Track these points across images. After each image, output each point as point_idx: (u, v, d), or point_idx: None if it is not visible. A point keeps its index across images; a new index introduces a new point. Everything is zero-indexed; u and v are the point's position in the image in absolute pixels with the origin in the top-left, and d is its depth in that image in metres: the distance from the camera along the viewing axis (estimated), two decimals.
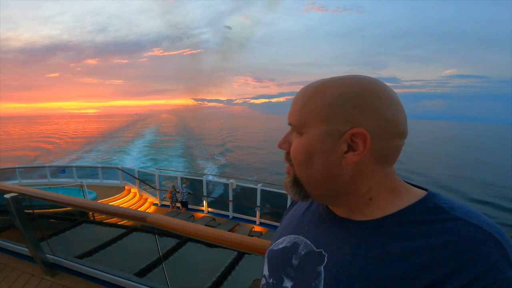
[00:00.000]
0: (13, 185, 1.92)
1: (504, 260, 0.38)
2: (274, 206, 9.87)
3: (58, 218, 2.41)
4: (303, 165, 0.49)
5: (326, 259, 0.49)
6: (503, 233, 0.41)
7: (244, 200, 10.46)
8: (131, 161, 33.98)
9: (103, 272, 2.10)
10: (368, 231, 0.47)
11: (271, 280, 0.57)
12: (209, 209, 10.77)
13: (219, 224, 9.78)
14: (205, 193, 10.88)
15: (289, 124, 0.51)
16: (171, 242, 2.33)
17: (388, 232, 0.45)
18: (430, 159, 38.71)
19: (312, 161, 0.47)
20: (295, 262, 0.53)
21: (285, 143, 0.52)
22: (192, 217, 10.37)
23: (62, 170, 12.26)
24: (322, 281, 0.47)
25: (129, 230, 2.56)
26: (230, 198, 10.29)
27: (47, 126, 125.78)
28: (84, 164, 28.68)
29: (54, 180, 11.80)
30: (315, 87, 0.48)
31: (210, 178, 12.36)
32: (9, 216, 2.32)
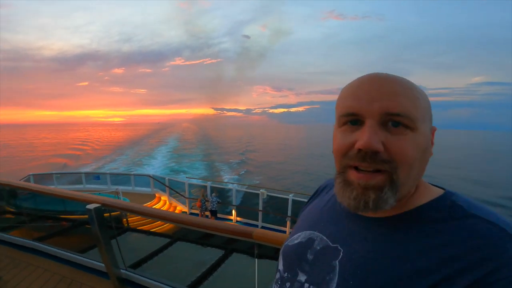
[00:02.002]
0: (94, 195, 1.85)
1: None
2: None
3: (130, 229, 2.34)
4: (416, 164, 0.45)
5: (341, 254, 0.50)
6: None
7: (274, 210, 10.27)
8: (157, 164, 36.03)
9: (165, 285, 2.00)
10: (386, 227, 0.48)
11: (285, 274, 0.56)
12: (238, 218, 10.68)
13: None
14: (234, 202, 10.83)
15: (396, 114, 0.43)
16: (218, 252, 2.24)
17: (406, 229, 0.46)
18: (455, 171, 36.68)
19: (422, 158, 0.46)
20: (310, 256, 0.54)
21: (380, 142, 0.44)
22: None
23: (96, 177, 12.63)
24: (337, 274, 0.48)
25: (174, 239, 2.48)
26: (260, 207, 10.15)
27: (78, 133, 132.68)
28: (115, 170, 29.96)
29: (89, 186, 12.17)
30: (409, 81, 0.47)
31: (239, 187, 12.30)
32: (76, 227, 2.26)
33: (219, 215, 10.75)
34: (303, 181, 28.66)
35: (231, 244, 2.13)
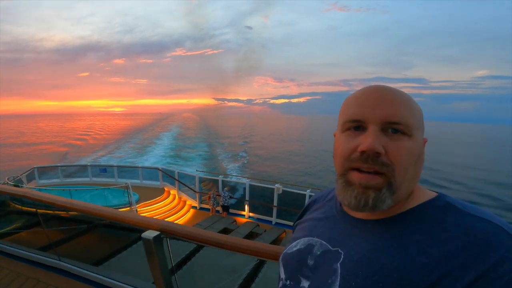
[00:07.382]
0: (153, 219, 1.41)
1: None
2: None
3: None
4: (411, 168, 0.48)
5: (342, 256, 0.50)
6: (511, 227, 0.44)
7: (289, 205, 9.88)
8: (158, 154, 36.64)
9: None
10: (385, 227, 0.49)
11: (288, 282, 0.56)
12: (251, 214, 10.31)
13: (265, 231, 9.26)
14: (246, 197, 10.44)
15: (396, 122, 0.47)
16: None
17: (404, 228, 0.47)
18: (460, 165, 36.25)
19: (417, 164, 0.49)
20: (310, 262, 0.54)
21: (382, 146, 0.47)
22: (235, 222, 9.93)
23: (103, 169, 12.13)
24: (339, 276, 0.48)
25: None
26: (275, 203, 9.77)
27: (79, 123, 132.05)
28: (121, 161, 29.80)
29: (96, 180, 11.74)
30: (406, 93, 0.50)
31: (253, 182, 11.87)
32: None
33: (231, 211, 10.41)
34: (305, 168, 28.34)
35: None
